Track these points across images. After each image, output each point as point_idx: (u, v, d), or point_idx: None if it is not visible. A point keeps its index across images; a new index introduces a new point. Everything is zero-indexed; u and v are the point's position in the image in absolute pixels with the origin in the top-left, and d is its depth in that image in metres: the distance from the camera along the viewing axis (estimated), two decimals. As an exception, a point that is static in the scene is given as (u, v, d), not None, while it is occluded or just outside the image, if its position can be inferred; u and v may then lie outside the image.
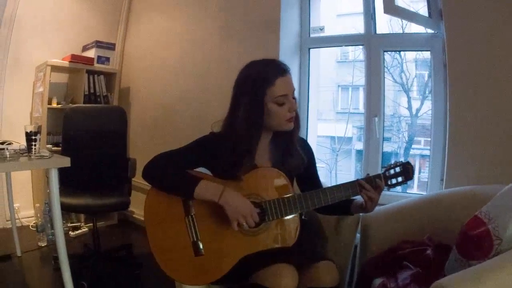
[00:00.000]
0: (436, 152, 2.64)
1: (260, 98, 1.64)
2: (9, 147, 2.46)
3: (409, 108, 6.69)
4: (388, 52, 3.11)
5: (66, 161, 2.23)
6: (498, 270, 1.35)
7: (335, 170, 6.63)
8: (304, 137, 3.11)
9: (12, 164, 2.15)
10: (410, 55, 5.32)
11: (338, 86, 8.15)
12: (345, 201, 1.77)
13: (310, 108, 3.32)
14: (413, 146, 5.63)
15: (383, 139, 2.95)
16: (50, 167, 2.20)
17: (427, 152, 3.52)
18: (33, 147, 2.22)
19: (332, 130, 7.38)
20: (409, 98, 6.79)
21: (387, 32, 3.49)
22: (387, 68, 7.11)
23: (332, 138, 7.34)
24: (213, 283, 1.67)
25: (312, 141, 3.30)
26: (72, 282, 2.34)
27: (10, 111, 4.10)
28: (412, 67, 6.09)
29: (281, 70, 1.67)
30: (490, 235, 1.56)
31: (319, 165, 6.27)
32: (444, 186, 2.47)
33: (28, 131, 2.22)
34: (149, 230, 1.68)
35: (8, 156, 2.10)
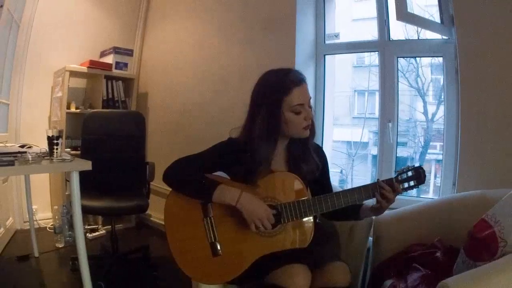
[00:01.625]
0: (449, 156, 2.69)
1: (278, 107, 1.72)
2: (30, 150, 2.57)
3: (425, 113, 6.73)
4: (404, 57, 3.17)
5: (87, 165, 2.33)
6: (502, 271, 1.43)
7: (351, 175, 6.69)
8: (320, 142, 3.20)
9: (35, 167, 2.25)
10: (425, 60, 5.36)
11: (355, 91, 8.19)
12: (354, 206, 1.83)
13: (325, 114, 3.39)
14: (429, 151, 5.66)
15: (397, 144, 3.01)
16: (72, 170, 2.30)
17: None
18: (55, 150, 2.32)
19: (348, 135, 7.44)
20: (424, 102, 6.82)
21: (403, 37, 3.55)
22: (402, 73, 7.17)
23: (349, 143, 7.39)
24: (229, 282, 1.77)
25: (327, 146, 3.39)
26: (90, 281, 2.42)
27: (29, 115, 4.26)
28: (428, 71, 6.12)
29: (297, 80, 1.75)
30: (496, 237, 1.64)
31: (335, 170, 6.29)
32: (456, 190, 2.52)
33: (50, 135, 2.32)
34: (169, 231, 1.78)
35: (30, 159, 2.19)
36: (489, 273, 1.45)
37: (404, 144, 7.36)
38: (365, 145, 6.77)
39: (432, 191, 3.55)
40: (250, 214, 1.65)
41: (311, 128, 1.83)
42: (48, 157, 2.35)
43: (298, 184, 1.78)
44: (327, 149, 3.36)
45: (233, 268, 1.71)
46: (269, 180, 1.77)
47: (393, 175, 1.86)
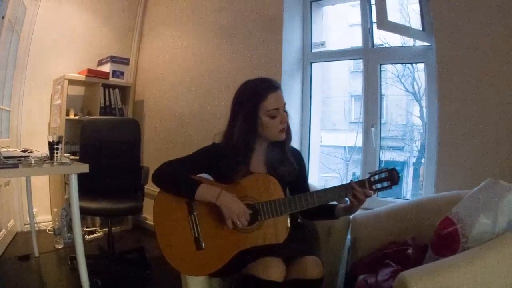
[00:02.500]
0: (430, 158, 2.82)
1: (255, 111, 1.92)
2: (32, 154, 2.77)
3: (421, 117, 6.87)
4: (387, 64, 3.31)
5: (85, 168, 2.53)
6: (454, 266, 1.56)
7: (346, 179, 6.83)
8: (306, 147, 3.37)
9: (37, 169, 2.47)
10: (421, 65, 5.50)
11: (351, 96, 8.34)
12: (329, 206, 2.03)
13: (312, 119, 3.55)
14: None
15: (380, 147, 3.15)
16: (70, 173, 2.51)
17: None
18: (55, 155, 2.52)
19: (344, 140, 7.57)
20: (421, 107, 6.96)
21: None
22: (398, 78, 7.28)
23: (346, 147, 7.52)
24: (212, 275, 1.95)
25: (314, 151, 3.55)
26: (87, 278, 2.62)
27: (29, 122, 4.45)
28: (424, 76, 6.27)
29: (272, 87, 1.96)
30: (458, 234, 1.76)
31: (330, 174, 6.37)
32: (435, 191, 2.65)
33: (51, 140, 2.52)
34: (157, 227, 1.97)
35: (33, 162, 2.40)
36: (443, 267, 1.57)
37: (401, 148, 7.50)
38: (360, 149, 6.91)
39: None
40: (228, 211, 1.82)
41: (287, 132, 2.02)
42: (49, 161, 2.55)
43: (275, 185, 1.95)
44: (314, 153, 3.53)
45: (215, 261, 1.87)
46: (248, 180, 1.95)
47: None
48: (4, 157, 2.48)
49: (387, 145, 7.25)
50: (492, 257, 1.60)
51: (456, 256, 1.67)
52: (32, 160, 2.42)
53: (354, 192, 1.91)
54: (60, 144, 2.54)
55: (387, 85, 7.43)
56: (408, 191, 6.34)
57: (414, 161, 6.96)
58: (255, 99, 1.93)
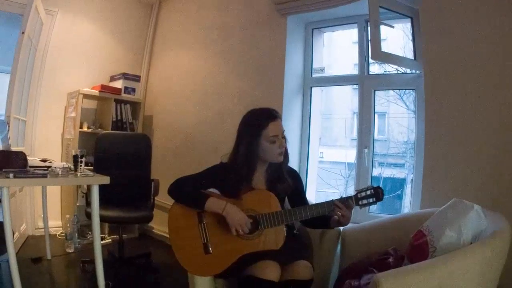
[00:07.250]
0: (417, 178, 3.15)
1: (257, 138, 2.32)
2: (52, 164, 3.10)
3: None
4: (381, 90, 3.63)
5: (106, 179, 2.91)
6: (420, 269, 1.87)
7: (345, 195, 7.08)
8: (305, 163, 3.76)
9: (62, 179, 2.84)
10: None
11: (354, 113, 8.62)
12: (324, 217, 2.39)
13: (311, 138, 3.93)
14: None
15: (372, 166, 3.52)
16: (93, 183, 2.88)
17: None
18: (79, 167, 2.90)
19: (345, 156, 7.85)
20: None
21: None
22: (400, 96, 7.59)
23: (348, 164, 7.76)
24: (216, 276, 2.32)
25: (312, 166, 3.92)
26: (104, 279, 2.95)
27: (43, 132, 4.81)
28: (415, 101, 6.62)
29: (272, 116, 2.35)
30: (428, 244, 2.10)
31: (330, 190, 6.69)
32: (420, 207, 2.96)
33: (75, 154, 2.90)
34: (171, 233, 2.35)
35: (60, 173, 2.77)
36: (411, 270, 1.88)
37: (402, 165, 7.77)
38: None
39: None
40: (232, 221, 2.21)
41: (285, 154, 2.41)
42: (72, 172, 2.91)
43: (273, 199, 2.33)
44: (313, 168, 3.92)
45: (220, 263, 2.25)
46: (250, 195, 2.34)
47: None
48: (30, 166, 2.85)
49: (387, 162, 7.57)
50: (454, 264, 1.89)
51: (423, 262, 1.98)
52: (59, 171, 2.77)
53: (336, 207, 2.30)
54: (83, 157, 2.91)
55: (389, 103, 7.76)
56: (405, 207, 6.62)
57: (412, 178, 7.17)
58: (257, 127, 2.33)
